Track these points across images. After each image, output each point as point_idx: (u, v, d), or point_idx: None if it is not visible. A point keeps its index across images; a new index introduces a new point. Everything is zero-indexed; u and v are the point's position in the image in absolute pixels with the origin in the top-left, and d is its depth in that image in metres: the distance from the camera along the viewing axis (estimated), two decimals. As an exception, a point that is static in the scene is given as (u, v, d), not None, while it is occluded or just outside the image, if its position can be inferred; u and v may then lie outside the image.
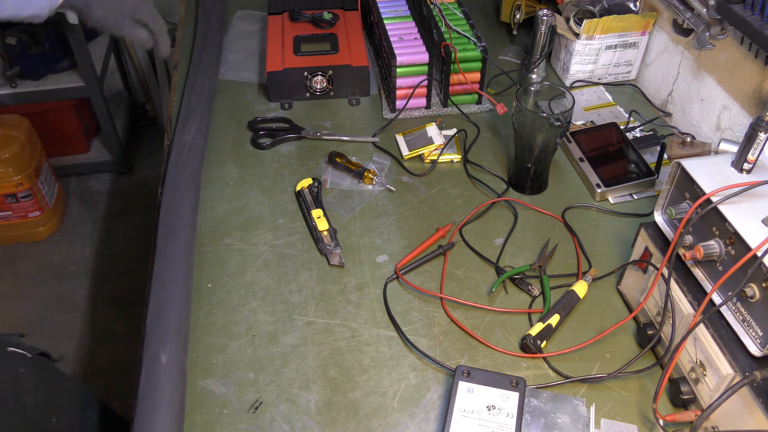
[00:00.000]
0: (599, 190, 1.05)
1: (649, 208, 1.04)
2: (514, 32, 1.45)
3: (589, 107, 1.25)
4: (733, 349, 0.69)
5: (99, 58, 2.21)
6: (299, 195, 1.06)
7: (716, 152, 0.96)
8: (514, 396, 0.73)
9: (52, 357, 0.98)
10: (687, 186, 0.77)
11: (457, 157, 1.14)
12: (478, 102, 1.26)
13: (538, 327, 0.84)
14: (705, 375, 0.72)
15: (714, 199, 0.72)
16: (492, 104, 1.23)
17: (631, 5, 1.27)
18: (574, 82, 1.30)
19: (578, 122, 1.20)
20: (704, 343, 0.72)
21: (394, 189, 1.08)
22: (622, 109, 1.24)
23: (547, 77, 1.33)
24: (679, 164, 0.78)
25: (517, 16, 1.41)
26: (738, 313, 0.70)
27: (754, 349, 0.67)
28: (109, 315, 2.02)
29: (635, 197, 1.07)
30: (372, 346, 0.85)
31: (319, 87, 1.26)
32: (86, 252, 2.22)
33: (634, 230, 0.89)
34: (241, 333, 0.86)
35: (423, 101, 1.24)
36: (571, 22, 1.25)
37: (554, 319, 0.85)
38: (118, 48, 2.49)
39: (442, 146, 1.14)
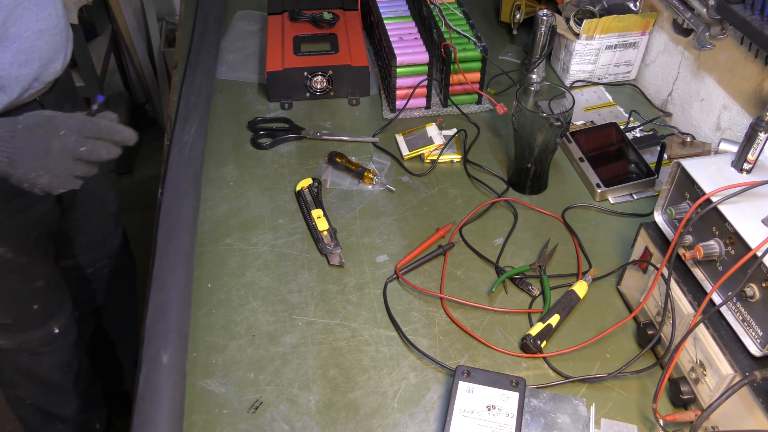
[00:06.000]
0: (599, 190, 1.05)
1: (649, 208, 1.04)
2: (514, 32, 1.45)
3: (589, 107, 1.25)
4: (733, 349, 0.69)
5: (99, 58, 2.21)
6: (299, 195, 1.06)
7: (716, 152, 0.96)
8: (514, 396, 0.73)
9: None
10: (687, 186, 0.77)
11: (457, 157, 1.14)
12: (478, 102, 1.25)
13: (538, 327, 0.84)
14: (705, 375, 0.72)
15: (714, 199, 0.72)
16: (492, 104, 1.23)
17: (631, 5, 1.27)
18: (574, 82, 1.30)
19: (578, 122, 1.20)
20: (704, 343, 0.72)
21: (394, 189, 1.08)
22: (622, 109, 1.24)
23: (547, 77, 1.33)
24: (679, 164, 0.78)
25: (517, 16, 1.41)
26: (738, 313, 0.70)
27: (754, 349, 0.67)
28: (109, 315, 2.02)
29: (635, 197, 1.07)
30: (372, 346, 0.85)
31: (319, 87, 1.26)
32: (86, 252, 2.21)
33: (634, 230, 0.89)
34: (241, 333, 0.86)
35: (423, 101, 1.24)
36: (571, 22, 1.25)
37: (554, 319, 0.85)
38: (118, 48, 2.49)
39: (442, 146, 1.14)
